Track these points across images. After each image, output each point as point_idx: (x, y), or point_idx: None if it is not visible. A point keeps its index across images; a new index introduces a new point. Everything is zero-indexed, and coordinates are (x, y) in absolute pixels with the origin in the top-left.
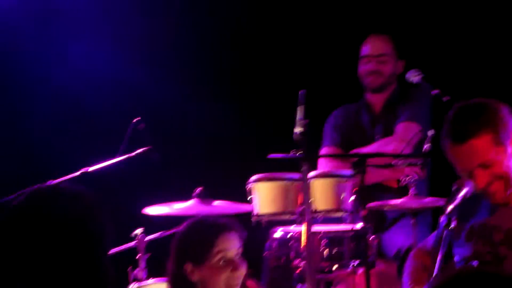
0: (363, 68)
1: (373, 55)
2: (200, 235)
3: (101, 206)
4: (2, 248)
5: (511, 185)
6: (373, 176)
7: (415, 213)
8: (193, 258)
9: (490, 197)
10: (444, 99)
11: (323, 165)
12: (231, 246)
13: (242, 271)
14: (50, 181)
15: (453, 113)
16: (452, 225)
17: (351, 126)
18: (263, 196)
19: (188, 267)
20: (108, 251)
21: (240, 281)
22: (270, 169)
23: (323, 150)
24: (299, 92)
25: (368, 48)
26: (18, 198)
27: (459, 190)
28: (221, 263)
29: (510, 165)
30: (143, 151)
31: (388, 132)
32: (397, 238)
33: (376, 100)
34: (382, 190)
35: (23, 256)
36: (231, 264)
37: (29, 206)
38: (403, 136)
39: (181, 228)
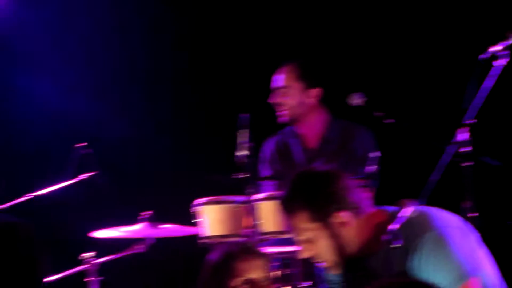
0: (270, 99)
1: (274, 88)
2: (219, 260)
3: (36, 236)
4: None
5: None
6: None
7: None
8: (218, 284)
9: None
10: (387, 121)
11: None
12: (254, 270)
13: None
14: None
15: None
16: (399, 243)
17: (283, 162)
18: (210, 219)
19: None
20: (42, 281)
21: None
22: (212, 192)
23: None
24: (240, 116)
25: (272, 80)
26: None
27: (401, 209)
28: (245, 287)
29: None
30: (90, 176)
31: None
32: None
33: (308, 133)
34: None
35: None
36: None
37: None
38: None
39: (207, 257)
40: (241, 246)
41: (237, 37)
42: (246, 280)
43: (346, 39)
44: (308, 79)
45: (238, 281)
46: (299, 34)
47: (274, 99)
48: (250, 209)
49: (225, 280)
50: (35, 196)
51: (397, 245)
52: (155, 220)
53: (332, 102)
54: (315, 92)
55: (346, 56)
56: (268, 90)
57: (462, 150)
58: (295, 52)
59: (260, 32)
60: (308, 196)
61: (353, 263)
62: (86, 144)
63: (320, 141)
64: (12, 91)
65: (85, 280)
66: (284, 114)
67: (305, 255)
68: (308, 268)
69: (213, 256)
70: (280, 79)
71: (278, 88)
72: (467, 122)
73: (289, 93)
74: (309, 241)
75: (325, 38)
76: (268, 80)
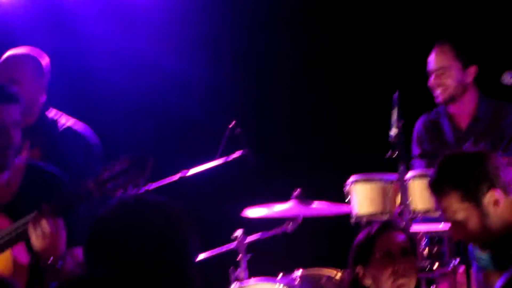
0: (429, 82)
1: (433, 70)
2: (362, 238)
3: (186, 216)
4: (88, 258)
5: None
6: None
7: None
8: (361, 260)
9: None
10: None
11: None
12: (392, 243)
13: (406, 265)
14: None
15: None
16: None
17: (433, 142)
18: (362, 197)
19: (359, 270)
20: (193, 260)
21: (408, 275)
22: (364, 169)
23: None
24: (394, 95)
25: (429, 62)
26: (103, 208)
27: None
28: (383, 260)
29: None
30: (241, 155)
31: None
32: None
33: (459, 112)
34: None
35: (108, 267)
36: (393, 260)
37: (113, 217)
38: None
39: (356, 236)
40: (383, 222)
41: (387, 16)
42: (386, 252)
43: (495, 16)
44: (464, 57)
45: (379, 254)
46: (446, 10)
47: (434, 82)
48: (401, 187)
49: (369, 257)
50: (186, 175)
51: None
52: (305, 198)
53: (480, 81)
54: (472, 70)
55: (496, 33)
56: (418, 68)
57: None
58: (442, 29)
59: (409, 9)
60: (459, 177)
61: (503, 241)
62: (235, 122)
63: (471, 121)
64: (163, 73)
65: (235, 258)
66: (443, 95)
67: (456, 234)
68: (458, 246)
69: (360, 235)
70: (437, 60)
71: (437, 70)
72: None
73: (448, 74)
74: (460, 221)
75: (473, 16)
76: (419, 58)
